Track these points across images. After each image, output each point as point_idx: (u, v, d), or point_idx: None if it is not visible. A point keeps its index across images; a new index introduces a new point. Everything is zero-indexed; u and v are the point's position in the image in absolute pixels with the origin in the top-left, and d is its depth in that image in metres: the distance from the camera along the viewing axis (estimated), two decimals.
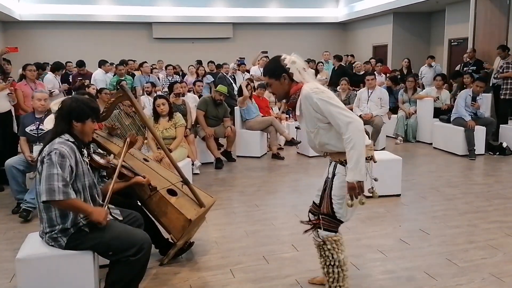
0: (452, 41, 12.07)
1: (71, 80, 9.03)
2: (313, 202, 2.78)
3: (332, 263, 2.56)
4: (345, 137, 2.36)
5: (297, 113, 2.59)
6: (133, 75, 9.34)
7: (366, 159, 2.44)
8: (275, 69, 2.56)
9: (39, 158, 2.51)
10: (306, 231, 2.76)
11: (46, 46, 14.78)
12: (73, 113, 2.55)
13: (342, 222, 2.57)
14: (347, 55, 12.79)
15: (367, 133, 2.60)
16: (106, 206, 2.59)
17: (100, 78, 8.70)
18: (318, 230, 2.62)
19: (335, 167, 2.55)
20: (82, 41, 15.03)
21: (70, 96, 2.87)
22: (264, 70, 2.67)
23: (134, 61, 10.96)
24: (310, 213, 2.78)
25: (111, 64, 9.55)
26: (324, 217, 2.57)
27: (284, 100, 2.74)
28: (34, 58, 9.95)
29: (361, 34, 16.44)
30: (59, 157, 2.40)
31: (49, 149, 2.44)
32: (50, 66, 8.98)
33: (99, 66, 9.18)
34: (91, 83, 7.81)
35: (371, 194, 2.49)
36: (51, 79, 7.76)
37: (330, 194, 2.54)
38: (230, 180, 5.81)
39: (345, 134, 2.35)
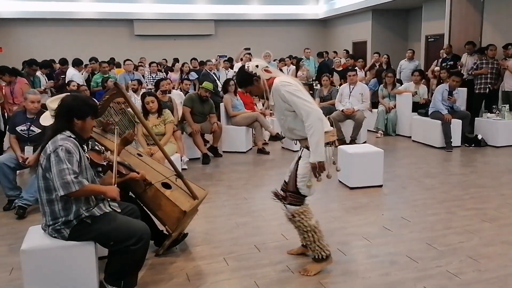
0: (429, 37, 12.40)
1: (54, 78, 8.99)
2: (284, 181, 3.18)
3: (305, 230, 3.01)
4: (306, 124, 2.78)
5: (271, 103, 2.97)
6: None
7: (329, 143, 2.88)
8: (246, 79, 2.95)
9: (42, 153, 2.61)
10: (276, 199, 3.17)
11: (26, 43, 14.59)
12: (74, 111, 2.66)
13: (306, 196, 3.02)
14: (327, 52, 13.06)
15: (330, 121, 3.04)
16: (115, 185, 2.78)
17: (77, 79, 8.57)
18: (286, 206, 3.05)
19: (302, 151, 2.98)
20: (63, 38, 14.89)
21: (69, 94, 2.96)
22: (238, 83, 3.09)
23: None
24: (281, 190, 3.20)
25: (90, 63, 9.53)
26: (290, 194, 3.02)
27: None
28: (14, 56, 9.87)
29: (341, 31, 16.71)
30: (66, 153, 2.52)
31: (54, 146, 2.54)
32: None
33: (73, 66, 9.01)
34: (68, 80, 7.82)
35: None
36: (37, 76, 7.77)
37: (296, 173, 2.96)
38: (217, 174, 5.95)
39: (306, 122, 2.77)
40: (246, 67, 2.94)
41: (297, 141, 3.07)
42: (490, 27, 8.92)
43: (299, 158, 2.98)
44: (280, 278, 3.07)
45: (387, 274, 3.08)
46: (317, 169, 2.81)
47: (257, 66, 2.90)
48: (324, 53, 12.87)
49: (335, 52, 13.20)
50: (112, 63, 9.66)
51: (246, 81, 2.95)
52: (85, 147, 2.79)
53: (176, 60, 12.19)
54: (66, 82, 7.66)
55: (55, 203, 2.60)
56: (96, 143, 3.20)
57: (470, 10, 9.13)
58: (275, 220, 4.10)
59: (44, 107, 4.26)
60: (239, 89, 7.61)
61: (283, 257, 3.37)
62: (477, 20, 9.13)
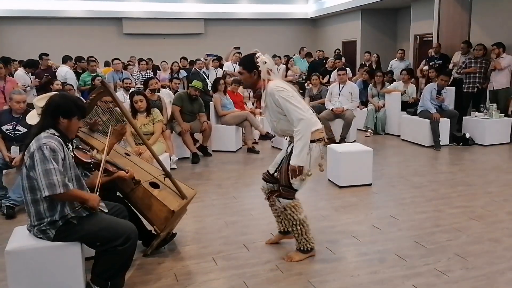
0: (422, 36, 12.44)
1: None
2: (267, 171, 3.39)
3: (295, 223, 3.16)
4: (295, 129, 2.91)
5: (263, 105, 3.12)
6: (84, 71, 9.08)
7: (317, 140, 3.03)
8: (249, 64, 3.07)
9: (25, 152, 2.57)
10: (269, 197, 3.35)
11: (12, 42, 14.41)
12: (61, 110, 2.62)
13: (297, 190, 3.14)
14: (317, 51, 13.08)
15: (319, 118, 3.16)
16: (97, 194, 2.71)
17: (70, 77, 8.47)
18: (279, 199, 3.16)
19: (292, 147, 3.05)
20: (51, 37, 14.71)
21: (58, 92, 2.92)
22: (241, 60, 3.20)
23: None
24: (263, 180, 3.42)
25: (78, 61, 9.41)
26: (283, 188, 3.14)
27: (250, 90, 3.28)
28: (1, 55, 9.73)
29: (330, 30, 16.74)
30: (51, 152, 2.47)
31: (38, 144, 2.50)
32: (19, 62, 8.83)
33: (63, 62, 8.88)
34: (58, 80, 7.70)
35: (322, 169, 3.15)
36: (22, 75, 7.69)
37: (287, 168, 3.04)
38: (207, 174, 5.92)
39: (296, 127, 2.91)
40: (256, 55, 3.04)
41: (288, 137, 3.18)
42: (478, 27, 8.98)
43: (291, 153, 3.04)
44: (269, 277, 3.06)
45: (376, 272, 3.08)
46: (296, 171, 2.95)
47: (265, 62, 3.01)
48: (316, 51, 12.89)
49: (321, 51, 13.23)
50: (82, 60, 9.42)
51: (248, 65, 3.05)
52: (70, 145, 2.75)
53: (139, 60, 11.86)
54: (60, 80, 7.50)
55: (40, 203, 2.56)
56: (81, 143, 3.16)
57: (458, 10, 9.19)
58: (264, 219, 4.09)
59: (30, 106, 4.20)
60: (228, 88, 7.60)
61: (272, 256, 3.36)
62: (465, 20, 9.18)
